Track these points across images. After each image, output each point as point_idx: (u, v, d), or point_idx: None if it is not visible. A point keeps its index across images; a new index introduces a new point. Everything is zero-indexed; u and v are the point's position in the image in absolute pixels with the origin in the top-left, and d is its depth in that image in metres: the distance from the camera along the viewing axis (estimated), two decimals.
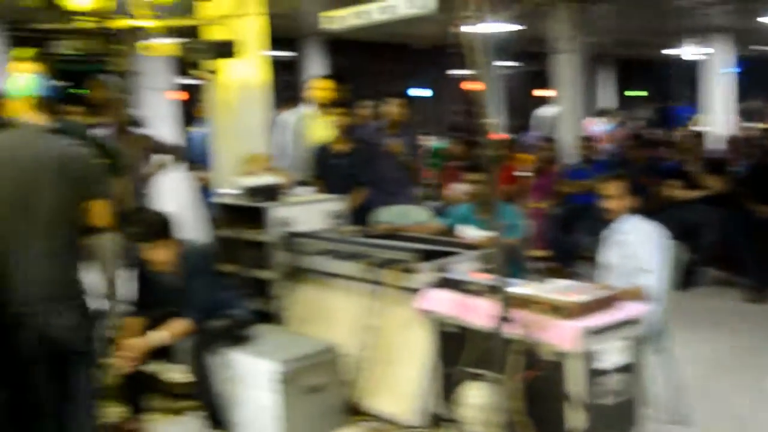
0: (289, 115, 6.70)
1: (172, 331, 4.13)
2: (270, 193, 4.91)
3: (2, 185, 3.49)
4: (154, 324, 4.17)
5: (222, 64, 5.05)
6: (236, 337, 4.27)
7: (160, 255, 4.11)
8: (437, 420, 3.96)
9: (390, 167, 5.93)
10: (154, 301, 4.26)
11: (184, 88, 9.28)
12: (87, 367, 3.77)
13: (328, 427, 4.19)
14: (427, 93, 16.90)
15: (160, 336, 4.12)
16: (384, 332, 4.23)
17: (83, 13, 4.85)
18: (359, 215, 5.33)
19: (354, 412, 4.30)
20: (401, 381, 4.16)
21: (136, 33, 5.03)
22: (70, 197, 3.59)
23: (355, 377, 4.30)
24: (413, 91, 14.47)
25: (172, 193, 6.72)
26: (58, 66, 4.24)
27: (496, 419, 3.37)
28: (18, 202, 3.50)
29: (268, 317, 4.75)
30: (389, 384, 4.22)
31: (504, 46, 10.30)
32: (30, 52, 4.28)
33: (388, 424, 4.17)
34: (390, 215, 5.41)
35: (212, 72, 5.01)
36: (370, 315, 4.25)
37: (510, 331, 3.27)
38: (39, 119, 3.62)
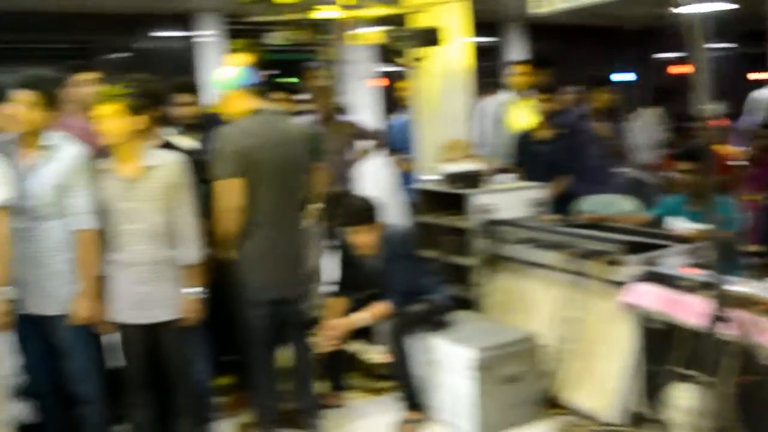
0: (490, 101, 6.66)
1: (372, 313, 4.23)
2: (471, 179, 4.90)
3: (268, 167, 3.76)
4: (356, 305, 4.30)
5: (426, 51, 5.09)
6: (435, 322, 4.31)
7: (363, 239, 4.21)
8: (638, 419, 3.81)
9: (594, 155, 5.75)
10: (356, 283, 4.38)
11: (385, 75, 9.45)
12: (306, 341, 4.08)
13: (524, 418, 4.13)
14: (630, 77, 16.21)
15: (362, 317, 4.24)
16: (585, 325, 4.12)
17: (293, 6, 5.06)
18: (561, 204, 5.21)
19: (551, 404, 4.23)
20: (602, 376, 4.03)
21: (344, 23, 5.18)
22: (307, 174, 3.94)
23: (553, 369, 4.22)
24: (616, 76, 13.92)
25: (373, 178, 6.87)
26: (266, 56, 4.45)
27: (705, 424, 3.18)
28: (281, 182, 3.80)
29: (467, 304, 4.76)
30: (589, 378, 4.11)
31: (719, 27, 9.68)
32: (242, 43, 4.51)
33: (586, 420, 4.06)
34: (594, 204, 5.23)
35: (417, 59, 5.06)
36: (572, 306, 4.15)
37: (724, 331, 3.08)
38: (260, 106, 3.85)
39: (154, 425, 3.87)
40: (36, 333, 3.52)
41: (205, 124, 4.35)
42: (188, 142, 4.14)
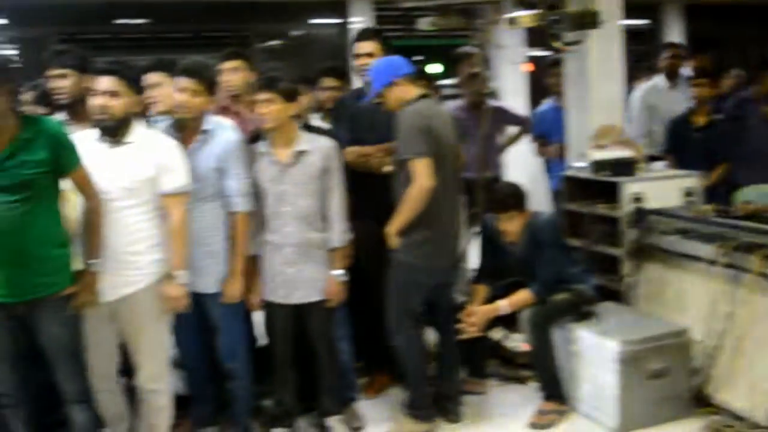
0: (644, 86, 6.44)
1: (515, 300, 4.19)
2: (622, 167, 4.76)
3: (443, 150, 3.80)
4: (500, 292, 4.27)
5: (581, 35, 4.96)
6: (580, 312, 4.22)
7: (510, 226, 4.17)
8: None
9: (761, 141, 5.42)
10: (501, 270, 4.36)
11: (534, 60, 9.31)
12: None
13: (669, 416, 4.00)
14: None
15: (503, 305, 4.21)
16: (742, 321, 3.92)
17: None
18: (719, 193, 4.97)
19: (700, 403, 4.06)
20: (757, 376, 3.84)
21: (498, 7, 5.12)
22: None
23: (704, 366, 4.05)
24: None
25: (521, 165, 6.80)
26: (393, 44, 4.46)
27: None
28: (449, 165, 3.84)
29: (614, 295, 4.63)
30: (743, 377, 3.92)
31: None
32: (368, 32, 4.55)
33: (737, 421, 3.88)
34: (757, 194, 4.94)
35: (572, 43, 4.93)
36: (727, 301, 3.96)
37: None
38: (421, 92, 3.89)
39: (297, 403, 4.02)
40: (190, 309, 3.70)
41: (339, 108, 4.41)
42: (327, 125, 4.24)
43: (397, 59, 3.92)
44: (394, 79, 3.82)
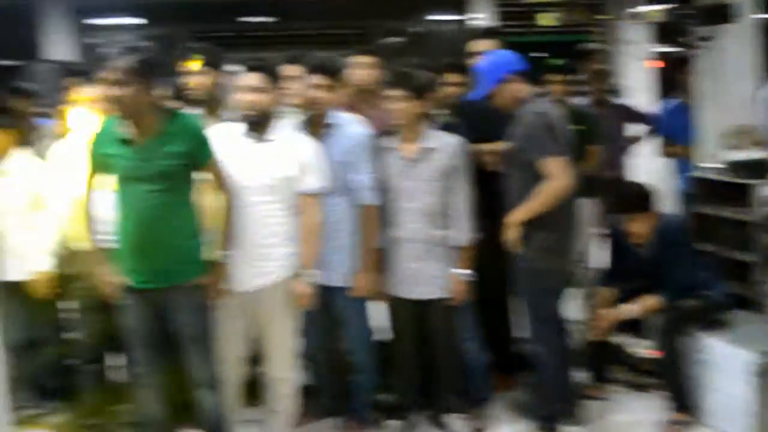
0: None
1: (642, 305, 4.06)
2: (756, 168, 4.56)
3: (567, 151, 3.70)
4: (626, 296, 4.15)
5: (713, 29, 4.77)
6: (710, 320, 4.06)
7: (638, 227, 4.04)
8: None
9: None
10: (628, 273, 4.23)
11: (661, 56, 9.02)
12: None
13: None
14: None
15: (631, 309, 4.09)
16: None
17: None
18: None
19: None
20: None
21: (625, 1, 5.00)
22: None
23: None
24: None
25: (647, 164, 6.59)
26: (515, 39, 4.38)
27: None
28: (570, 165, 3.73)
29: (745, 303, 4.43)
30: None
31: None
32: (487, 31, 4.49)
33: None
34: None
35: (702, 39, 4.75)
36: None
37: None
38: (529, 90, 3.81)
39: (417, 397, 4.01)
40: (318, 306, 3.71)
41: (459, 108, 4.36)
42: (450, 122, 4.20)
43: (508, 54, 3.84)
44: (506, 75, 3.75)
